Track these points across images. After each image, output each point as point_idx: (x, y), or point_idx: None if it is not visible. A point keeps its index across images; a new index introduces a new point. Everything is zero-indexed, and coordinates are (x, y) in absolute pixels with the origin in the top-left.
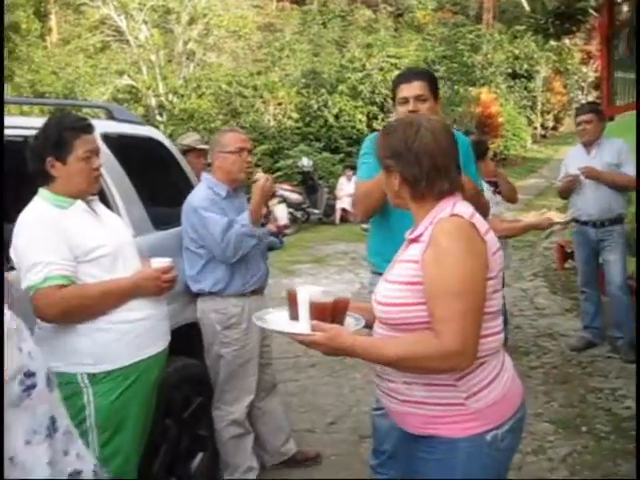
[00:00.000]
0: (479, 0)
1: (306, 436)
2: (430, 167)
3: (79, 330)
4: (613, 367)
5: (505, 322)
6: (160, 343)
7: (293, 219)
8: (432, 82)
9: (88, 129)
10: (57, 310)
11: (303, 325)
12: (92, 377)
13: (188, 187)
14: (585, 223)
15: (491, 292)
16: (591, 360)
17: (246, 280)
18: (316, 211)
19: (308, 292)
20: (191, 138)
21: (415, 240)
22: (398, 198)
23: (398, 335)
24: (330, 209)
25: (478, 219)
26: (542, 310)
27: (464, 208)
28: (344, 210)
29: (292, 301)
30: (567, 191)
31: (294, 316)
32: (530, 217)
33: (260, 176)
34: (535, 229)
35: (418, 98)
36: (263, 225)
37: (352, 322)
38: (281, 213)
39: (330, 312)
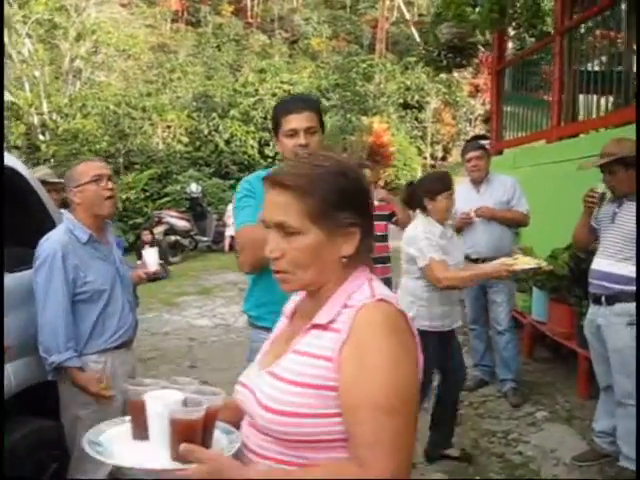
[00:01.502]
0: (372, 30)
1: None
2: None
3: None
4: (504, 408)
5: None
6: None
7: (180, 247)
8: (319, 112)
9: None
10: None
11: (162, 454)
12: None
13: (49, 222)
14: (475, 261)
15: None
16: (483, 400)
17: (110, 334)
18: (204, 239)
19: (162, 402)
20: (42, 172)
21: (323, 327)
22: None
23: (294, 455)
24: (219, 236)
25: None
26: None
27: (384, 289)
28: (233, 238)
29: (137, 414)
30: (458, 229)
31: (140, 435)
32: (490, 265)
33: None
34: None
35: (308, 130)
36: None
37: (224, 440)
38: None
39: (201, 430)
